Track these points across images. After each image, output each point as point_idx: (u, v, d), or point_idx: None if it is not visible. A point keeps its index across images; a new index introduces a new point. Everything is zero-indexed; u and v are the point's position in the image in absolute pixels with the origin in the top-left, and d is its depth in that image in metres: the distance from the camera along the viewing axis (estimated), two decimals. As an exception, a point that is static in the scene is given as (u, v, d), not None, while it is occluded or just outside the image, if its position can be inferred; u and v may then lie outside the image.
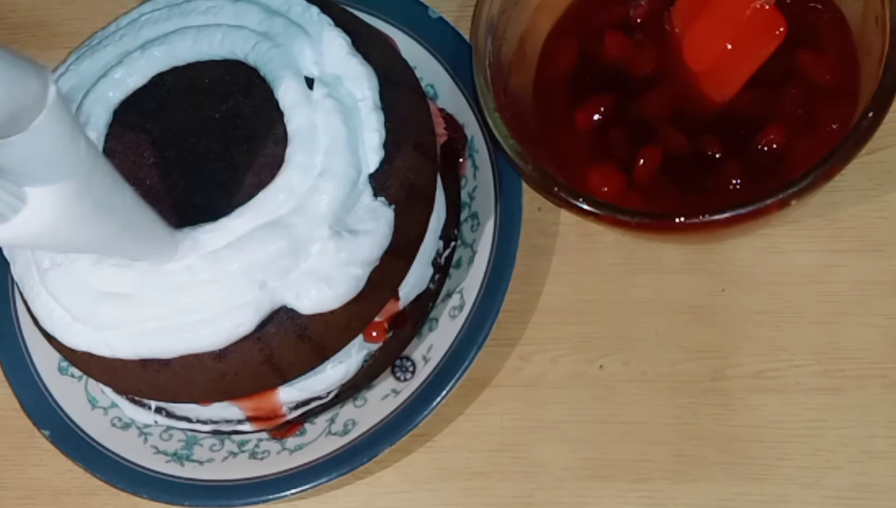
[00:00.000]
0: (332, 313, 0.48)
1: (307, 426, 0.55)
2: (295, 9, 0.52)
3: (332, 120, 0.48)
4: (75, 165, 0.39)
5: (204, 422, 0.55)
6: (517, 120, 0.51)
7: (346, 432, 0.54)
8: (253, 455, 0.54)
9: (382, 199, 0.48)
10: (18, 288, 0.51)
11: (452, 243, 0.56)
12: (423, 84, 0.55)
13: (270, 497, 0.53)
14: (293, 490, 0.53)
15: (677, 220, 0.46)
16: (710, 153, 0.50)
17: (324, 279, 0.47)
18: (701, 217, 0.45)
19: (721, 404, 0.53)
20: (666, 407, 0.53)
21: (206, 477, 0.54)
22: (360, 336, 0.52)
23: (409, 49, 0.58)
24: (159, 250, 0.46)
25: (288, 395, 0.52)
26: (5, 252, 0.52)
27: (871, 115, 0.45)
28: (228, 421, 0.54)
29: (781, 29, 0.49)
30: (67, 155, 0.38)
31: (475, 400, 0.55)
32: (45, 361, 0.57)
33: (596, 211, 0.47)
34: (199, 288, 0.46)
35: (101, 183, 0.41)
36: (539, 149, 0.51)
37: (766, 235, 0.55)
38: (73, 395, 0.57)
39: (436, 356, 0.54)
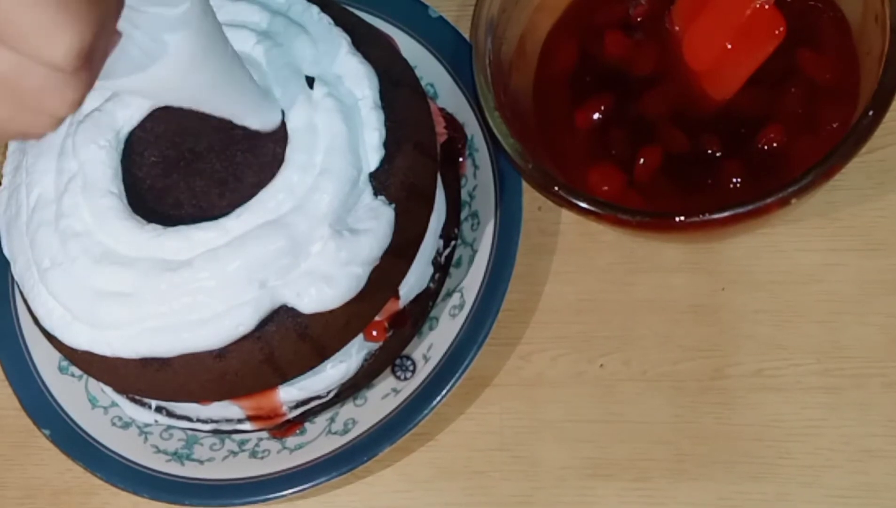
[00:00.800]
0: (332, 312, 0.48)
1: (307, 425, 0.55)
2: (295, 8, 0.52)
3: (333, 119, 0.48)
4: (210, 15, 0.40)
5: (204, 421, 0.55)
6: (517, 119, 0.51)
7: (346, 431, 0.54)
8: (253, 455, 0.54)
9: (383, 198, 0.48)
10: (18, 287, 0.51)
11: (453, 242, 0.56)
12: (423, 83, 0.55)
13: (270, 496, 0.53)
14: (293, 490, 0.53)
15: (677, 219, 0.46)
16: (710, 152, 0.50)
17: (324, 279, 0.47)
18: (701, 216, 0.45)
19: (721, 403, 0.53)
20: (666, 406, 0.53)
21: (207, 476, 0.54)
22: (360, 335, 0.51)
23: (409, 48, 0.58)
24: (267, 110, 0.48)
25: (288, 394, 0.52)
26: (6, 252, 0.52)
27: (871, 113, 0.45)
28: (229, 420, 0.54)
29: (781, 28, 0.49)
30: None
31: (475, 400, 0.55)
32: (45, 360, 0.57)
33: (596, 210, 0.47)
34: (199, 287, 0.46)
35: (220, 36, 0.42)
36: (539, 148, 0.51)
37: (767, 234, 0.55)
38: (74, 394, 0.57)
39: (436, 356, 0.54)
